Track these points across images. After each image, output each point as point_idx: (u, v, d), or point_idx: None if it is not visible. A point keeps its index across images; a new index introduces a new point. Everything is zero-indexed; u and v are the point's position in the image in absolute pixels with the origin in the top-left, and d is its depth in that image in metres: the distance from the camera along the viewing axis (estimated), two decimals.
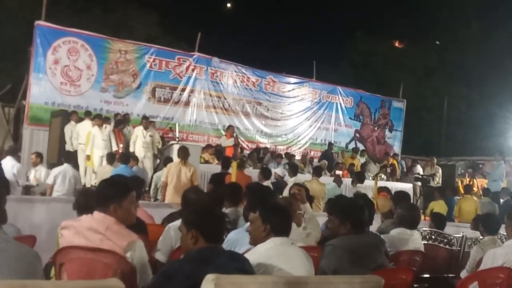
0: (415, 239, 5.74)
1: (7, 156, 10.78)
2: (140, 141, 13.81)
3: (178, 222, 4.69)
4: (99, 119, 13.62)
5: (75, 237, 3.68)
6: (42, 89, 14.84)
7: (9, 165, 10.44)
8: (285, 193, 8.57)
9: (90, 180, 12.86)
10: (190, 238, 3.37)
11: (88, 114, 14.33)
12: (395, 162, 19.33)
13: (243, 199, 6.30)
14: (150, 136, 13.94)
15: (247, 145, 18.52)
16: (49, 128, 14.34)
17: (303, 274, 3.61)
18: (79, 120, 13.96)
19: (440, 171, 18.16)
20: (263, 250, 3.64)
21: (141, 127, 14.06)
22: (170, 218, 5.89)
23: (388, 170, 18.69)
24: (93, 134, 13.24)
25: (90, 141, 13.18)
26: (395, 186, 13.99)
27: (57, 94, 15.05)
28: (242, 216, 5.54)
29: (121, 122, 14.30)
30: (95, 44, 15.75)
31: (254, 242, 3.82)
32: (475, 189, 17.04)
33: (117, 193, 3.82)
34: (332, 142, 20.32)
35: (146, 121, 14.28)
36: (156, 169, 13.30)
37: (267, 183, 10.38)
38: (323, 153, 19.14)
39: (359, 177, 13.37)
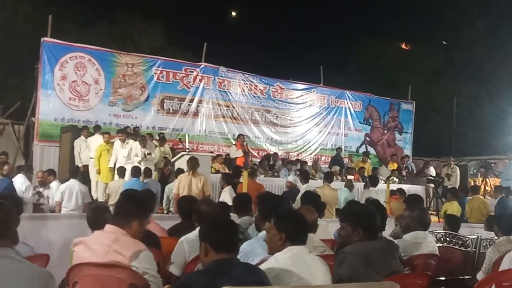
0: (429, 242, 5.70)
1: (18, 173, 10.82)
2: (138, 158, 13.11)
3: (191, 235, 4.70)
4: (122, 133, 13.52)
5: (84, 252, 3.69)
6: (51, 106, 14.87)
7: (19, 182, 10.47)
8: (298, 200, 8.55)
9: (102, 195, 12.81)
10: (202, 251, 3.37)
11: (97, 128, 14.38)
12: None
13: (253, 208, 6.28)
14: (148, 154, 13.30)
15: (258, 153, 18.50)
16: (59, 144, 14.36)
17: (321, 283, 3.60)
18: (90, 135, 13.95)
19: (458, 170, 17.97)
20: (281, 259, 3.63)
21: (136, 142, 13.34)
22: (173, 230, 5.88)
23: (404, 172, 18.62)
24: (115, 148, 13.19)
25: (114, 155, 13.15)
26: (406, 189, 13.93)
27: (66, 110, 15.07)
28: (254, 225, 5.52)
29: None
30: (102, 59, 15.78)
31: (271, 251, 3.82)
32: (488, 188, 16.94)
33: (140, 211, 3.87)
34: (343, 146, 20.29)
35: (142, 138, 13.60)
36: (167, 181, 13.21)
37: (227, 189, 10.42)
38: (333, 159, 19.05)
39: (372, 180, 13.34)
